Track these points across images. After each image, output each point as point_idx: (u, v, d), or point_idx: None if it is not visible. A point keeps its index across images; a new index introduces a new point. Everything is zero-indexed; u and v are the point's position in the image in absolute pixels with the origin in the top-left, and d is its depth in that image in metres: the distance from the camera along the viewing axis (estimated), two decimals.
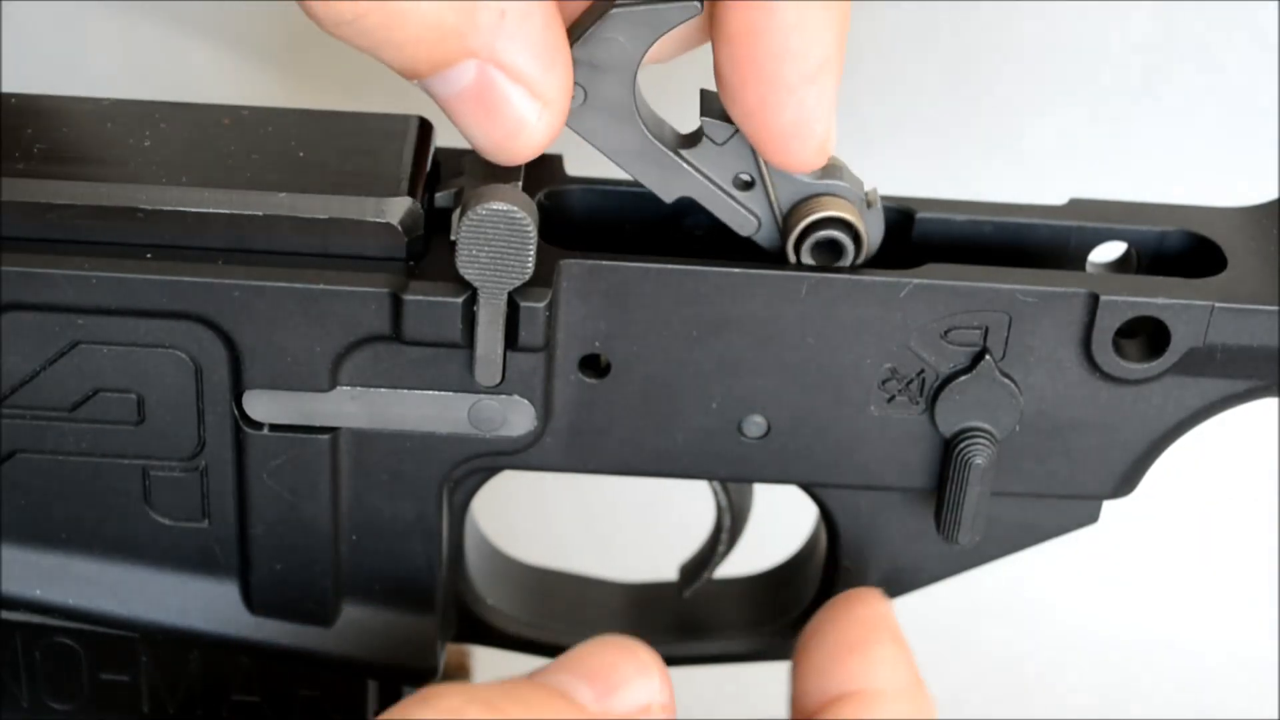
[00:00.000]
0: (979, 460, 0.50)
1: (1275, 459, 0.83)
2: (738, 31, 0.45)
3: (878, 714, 0.50)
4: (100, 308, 0.47)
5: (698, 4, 0.45)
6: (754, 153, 0.48)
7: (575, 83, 0.46)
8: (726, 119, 0.47)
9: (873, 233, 0.49)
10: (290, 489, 0.50)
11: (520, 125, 0.46)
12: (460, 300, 0.47)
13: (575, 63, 0.46)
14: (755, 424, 0.51)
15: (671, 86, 0.52)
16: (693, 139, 0.48)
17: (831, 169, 0.48)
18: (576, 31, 0.46)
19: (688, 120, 0.49)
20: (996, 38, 0.77)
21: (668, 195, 0.48)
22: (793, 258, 0.49)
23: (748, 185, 0.48)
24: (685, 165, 0.48)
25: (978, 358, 0.49)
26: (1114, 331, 0.49)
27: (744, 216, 0.49)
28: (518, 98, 0.46)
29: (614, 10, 0.45)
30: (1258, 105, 0.77)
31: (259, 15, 0.77)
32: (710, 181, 0.48)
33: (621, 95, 0.47)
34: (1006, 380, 0.50)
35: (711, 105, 0.48)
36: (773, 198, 0.48)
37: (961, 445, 0.50)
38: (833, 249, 0.48)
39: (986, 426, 0.50)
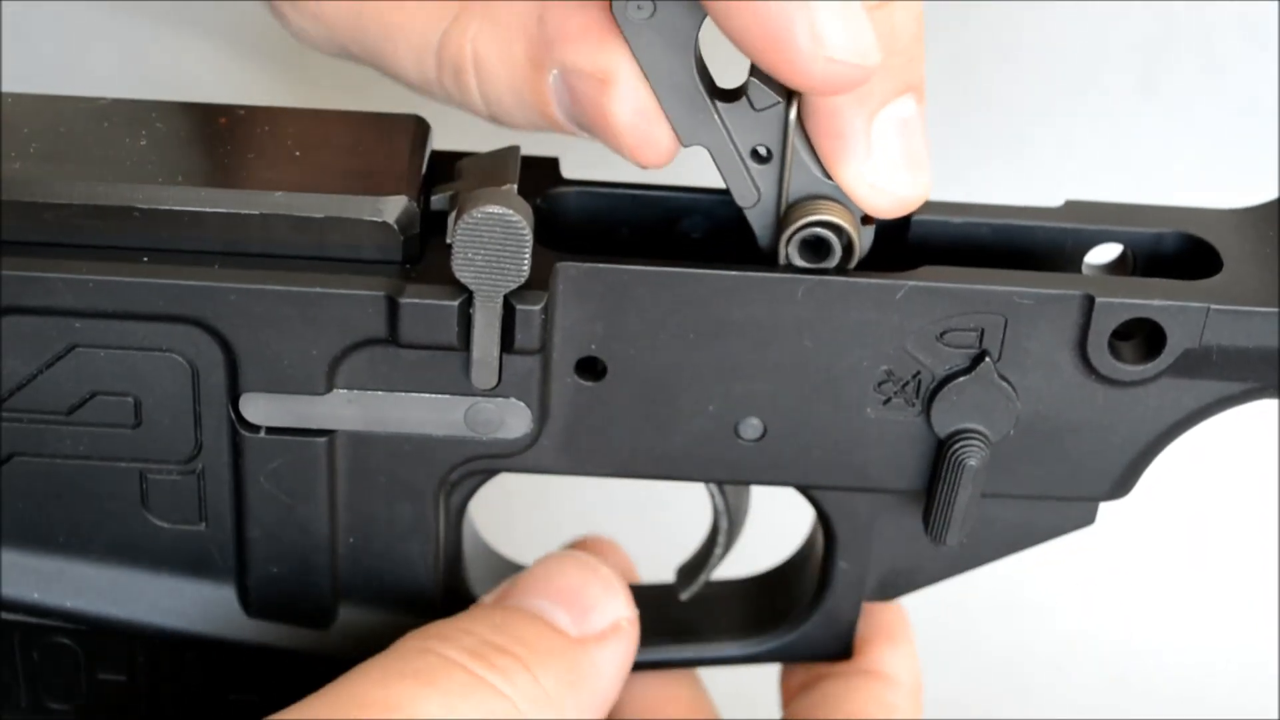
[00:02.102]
0: (972, 462, 0.50)
1: (1275, 460, 0.83)
2: None
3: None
4: (97, 311, 0.47)
5: None
6: (782, 130, 0.48)
7: None
8: (773, 86, 0.47)
9: (863, 245, 0.49)
10: (287, 492, 0.50)
11: (601, 112, 0.47)
12: (456, 303, 0.47)
13: None
14: (752, 426, 0.51)
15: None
16: (731, 95, 0.48)
17: None
18: None
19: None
20: (996, 38, 0.77)
21: (687, 139, 0.48)
22: (782, 249, 0.49)
23: (763, 160, 0.48)
24: (715, 116, 0.48)
25: (977, 359, 0.49)
26: (1110, 333, 0.49)
27: (748, 187, 0.49)
28: (589, 87, 0.47)
29: None
30: (1258, 105, 0.77)
31: (258, 15, 0.77)
32: (731, 141, 0.48)
33: (688, 24, 0.46)
34: (1003, 383, 0.50)
35: (760, 69, 0.48)
36: (785, 181, 0.48)
37: (955, 446, 0.50)
38: (822, 249, 0.48)
39: (981, 428, 0.50)
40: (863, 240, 0.49)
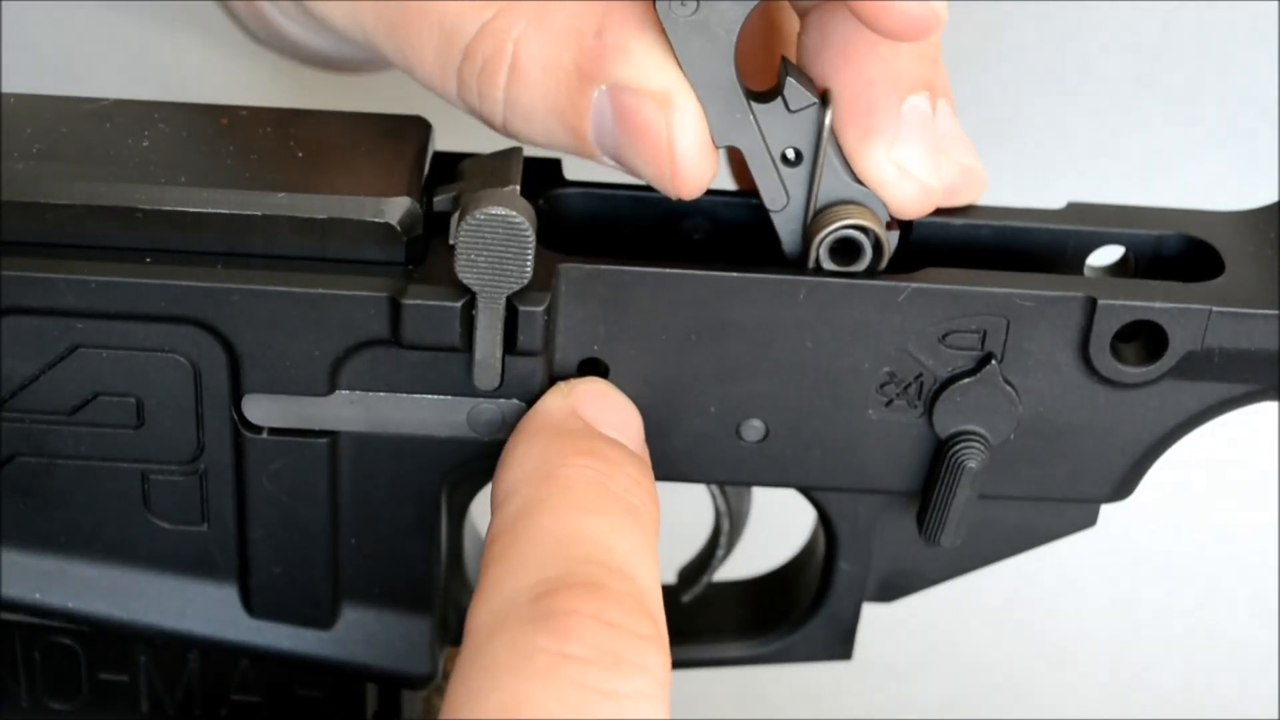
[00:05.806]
0: (971, 463, 0.50)
1: (1275, 461, 0.83)
2: None
3: None
4: (99, 312, 0.47)
5: None
6: (816, 131, 0.48)
7: None
8: (808, 87, 0.47)
9: (890, 249, 0.49)
10: (289, 493, 0.50)
11: (656, 135, 0.46)
12: (459, 305, 0.47)
13: None
14: (753, 428, 0.51)
15: None
16: (764, 96, 0.48)
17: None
18: None
19: None
20: (995, 36, 0.77)
21: (721, 140, 0.48)
22: (813, 253, 0.49)
23: (790, 163, 0.48)
24: (751, 117, 0.48)
25: (982, 362, 0.50)
26: (1112, 335, 0.49)
27: (779, 190, 0.49)
28: (646, 107, 0.46)
29: None
30: (1258, 105, 0.77)
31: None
32: (764, 142, 0.48)
33: (730, 21, 0.46)
34: (1007, 385, 0.50)
35: (795, 71, 0.48)
36: (815, 185, 0.48)
37: (955, 448, 0.50)
38: (853, 252, 0.48)
39: (981, 430, 0.50)
40: (890, 244, 0.49)
